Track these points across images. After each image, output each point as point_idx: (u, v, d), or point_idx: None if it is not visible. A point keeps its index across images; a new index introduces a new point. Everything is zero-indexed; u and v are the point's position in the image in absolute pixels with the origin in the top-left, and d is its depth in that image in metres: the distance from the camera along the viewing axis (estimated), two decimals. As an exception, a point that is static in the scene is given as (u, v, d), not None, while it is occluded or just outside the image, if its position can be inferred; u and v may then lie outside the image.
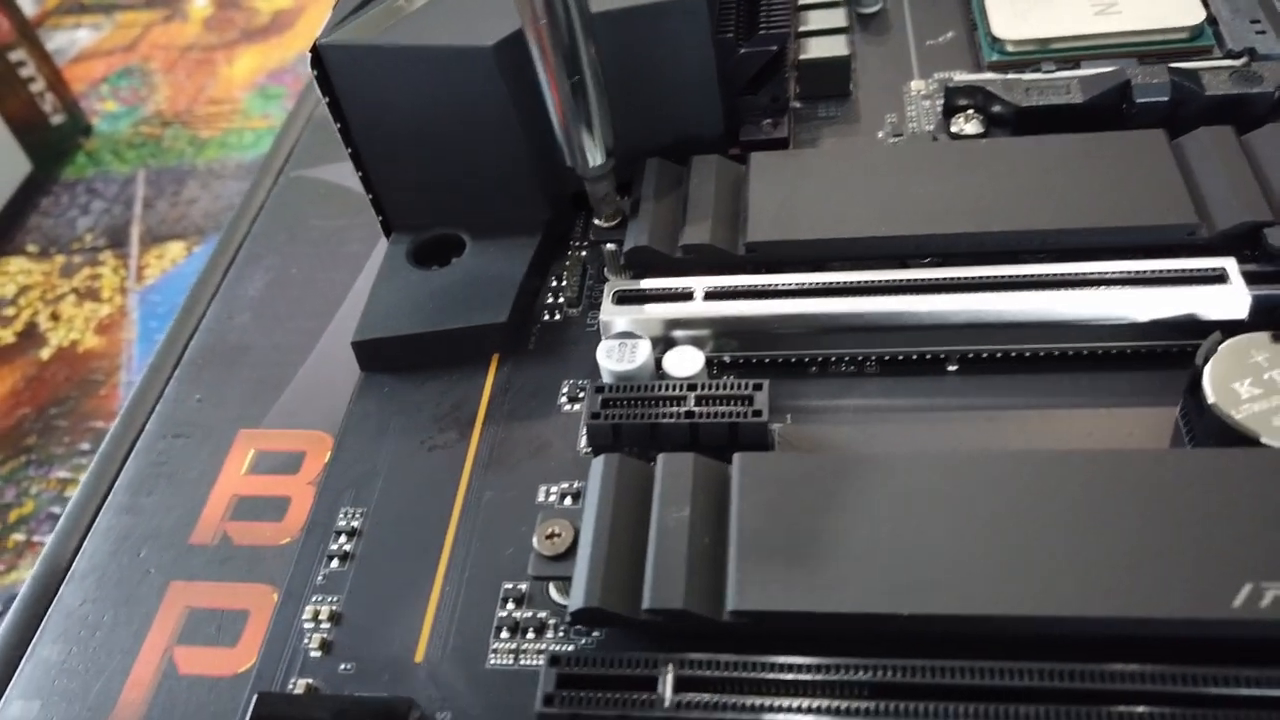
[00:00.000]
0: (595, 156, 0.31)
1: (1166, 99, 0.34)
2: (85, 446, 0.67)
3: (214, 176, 0.86)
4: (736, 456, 0.27)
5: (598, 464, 0.28)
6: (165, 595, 0.31)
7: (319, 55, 0.34)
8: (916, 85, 0.41)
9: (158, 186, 0.87)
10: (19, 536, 0.64)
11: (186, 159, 0.88)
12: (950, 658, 0.23)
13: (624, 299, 0.33)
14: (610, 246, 0.35)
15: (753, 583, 0.24)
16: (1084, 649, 0.23)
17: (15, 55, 0.93)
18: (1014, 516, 0.25)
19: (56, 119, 0.94)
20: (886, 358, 0.32)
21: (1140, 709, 0.22)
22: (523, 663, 0.27)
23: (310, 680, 0.28)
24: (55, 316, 0.77)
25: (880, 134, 0.40)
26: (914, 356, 0.32)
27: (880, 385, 0.32)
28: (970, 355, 0.32)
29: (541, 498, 0.31)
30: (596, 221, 0.35)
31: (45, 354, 0.75)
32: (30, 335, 0.76)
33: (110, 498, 0.35)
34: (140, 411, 0.38)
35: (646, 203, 0.34)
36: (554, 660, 0.24)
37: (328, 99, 0.35)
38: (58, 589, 0.32)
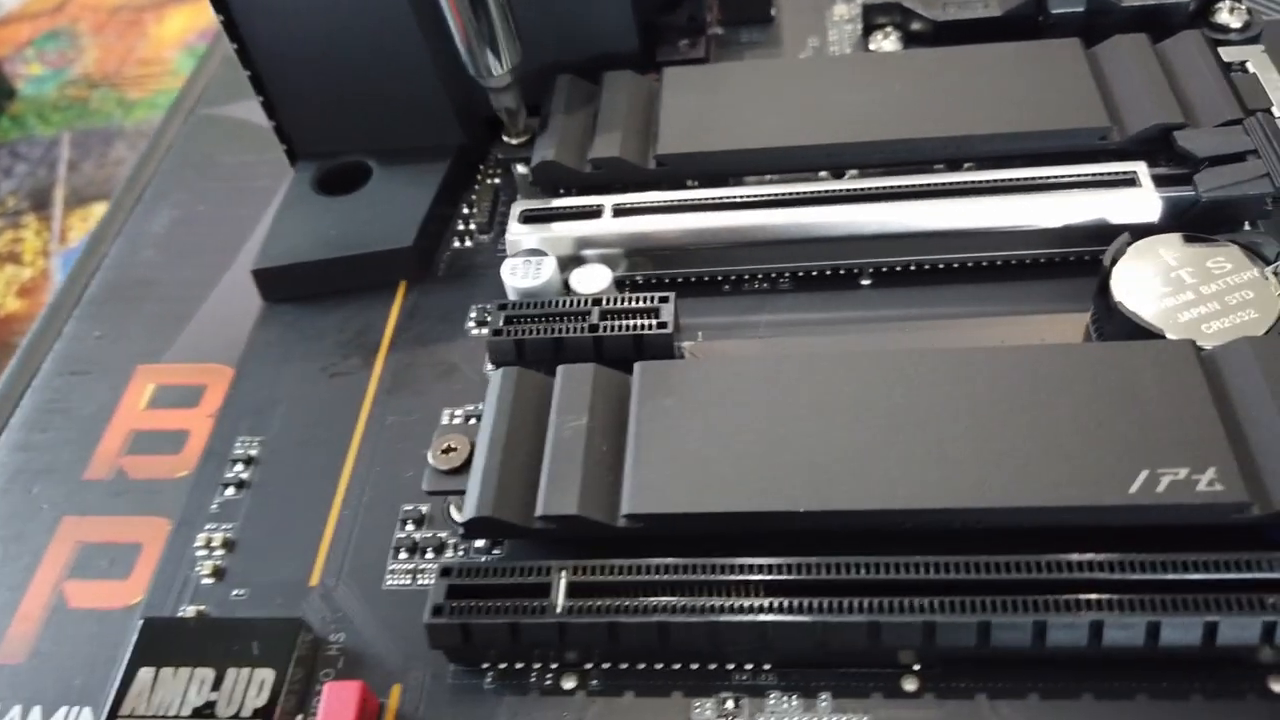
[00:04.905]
0: (496, 64, 0.30)
1: (1082, 9, 0.34)
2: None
3: (142, 137, 0.83)
4: (637, 365, 0.26)
5: (495, 377, 0.27)
6: (57, 530, 0.30)
7: (211, -31, 0.33)
8: (840, 10, 0.41)
9: (84, 148, 0.84)
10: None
11: (114, 120, 0.86)
12: (848, 554, 0.22)
13: (531, 218, 0.32)
14: (520, 169, 0.34)
15: (648, 486, 0.24)
16: (983, 541, 0.22)
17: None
18: (914, 412, 0.24)
19: (-23, 82, 0.91)
20: (800, 273, 0.31)
21: (1041, 598, 0.21)
22: (420, 582, 0.26)
23: (202, 607, 0.27)
24: (-26, 281, 0.75)
25: (802, 58, 0.39)
26: (827, 271, 0.31)
27: (794, 301, 0.31)
28: (884, 269, 0.31)
29: (445, 420, 0.30)
30: (505, 139, 0.33)
31: (-36, 318, 0.72)
32: (-51, 300, 0.74)
33: (3, 436, 0.33)
34: (38, 350, 0.36)
35: (556, 118, 0.33)
36: (445, 571, 0.24)
37: (222, 18, 0.34)
38: (-56, 529, 0.31)
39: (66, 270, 0.78)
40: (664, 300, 0.28)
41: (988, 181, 0.30)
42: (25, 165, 0.84)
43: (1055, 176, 0.30)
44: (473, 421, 0.30)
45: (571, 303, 0.29)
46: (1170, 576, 0.21)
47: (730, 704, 0.23)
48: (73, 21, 0.99)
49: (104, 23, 0.98)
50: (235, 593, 0.27)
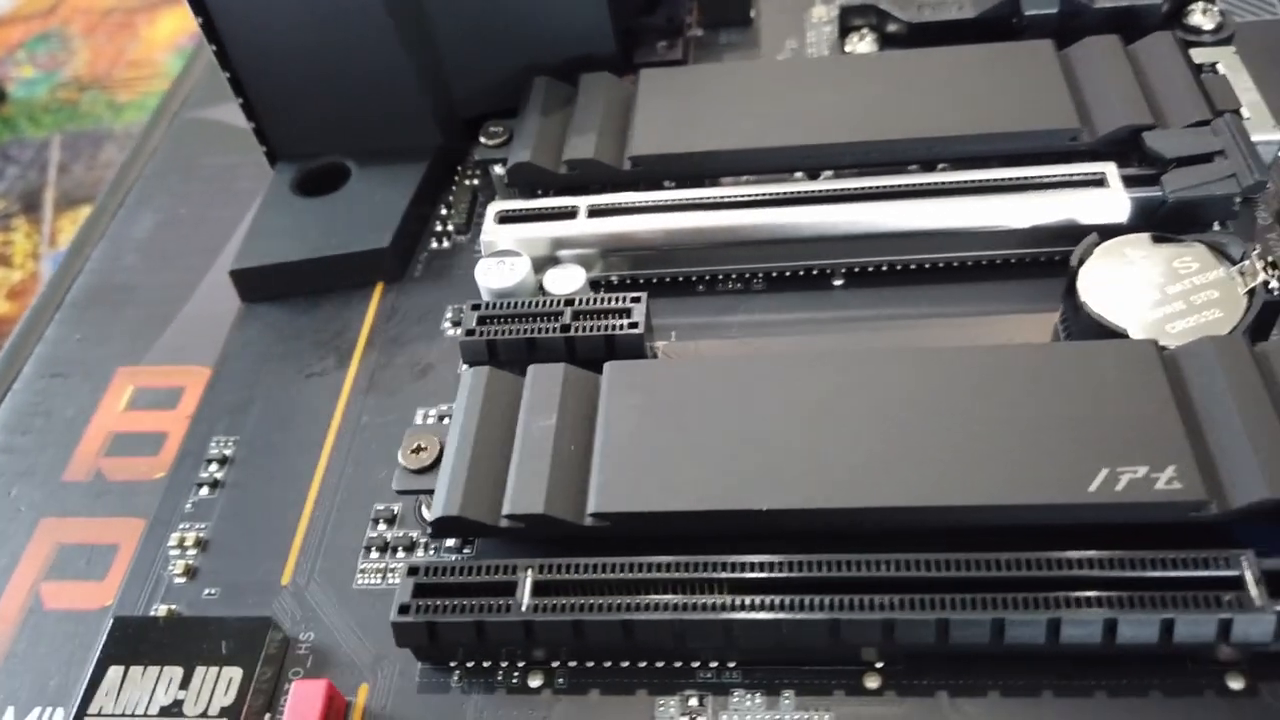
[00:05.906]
0: None
1: (1055, 11, 0.34)
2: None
3: (132, 139, 0.84)
4: (607, 365, 0.27)
5: (466, 376, 0.27)
6: (35, 532, 0.30)
7: (188, -28, 0.33)
8: (819, 12, 0.41)
9: (74, 150, 0.84)
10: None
11: (104, 123, 0.86)
12: (811, 553, 0.23)
13: (506, 219, 0.32)
14: (498, 170, 0.34)
15: (614, 485, 0.24)
16: (943, 539, 0.23)
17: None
18: (880, 412, 0.24)
19: (-32, 86, 0.91)
20: (773, 274, 0.32)
21: (1000, 595, 0.21)
22: (390, 581, 0.27)
23: (173, 606, 0.27)
24: (-37, 284, 0.75)
25: (779, 60, 0.39)
26: (800, 272, 0.31)
27: (767, 301, 0.31)
28: (856, 269, 0.31)
29: (420, 420, 0.30)
30: (481, 140, 0.34)
31: (-47, 321, 0.72)
32: (-62, 303, 0.74)
33: (-16, 438, 0.33)
34: (20, 354, 0.36)
35: (531, 120, 0.33)
36: (412, 570, 0.24)
37: (201, 19, 0.34)
38: (-79, 531, 0.31)
39: (56, 272, 0.78)
40: (635, 300, 0.28)
41: (959, 182, 0.30)
42: (16, 168, 0.85)
43: (1025, 177, 0.30)
44: (446, 421, 0.30)
45: (544, 303, 0.29)
46: (1128, 574, 0.21)
47: (695, 701, 0.23)
48: (64, 24, 0.99)
49: (95, 25, 0.98)
50: (207, 592, 0.27)
